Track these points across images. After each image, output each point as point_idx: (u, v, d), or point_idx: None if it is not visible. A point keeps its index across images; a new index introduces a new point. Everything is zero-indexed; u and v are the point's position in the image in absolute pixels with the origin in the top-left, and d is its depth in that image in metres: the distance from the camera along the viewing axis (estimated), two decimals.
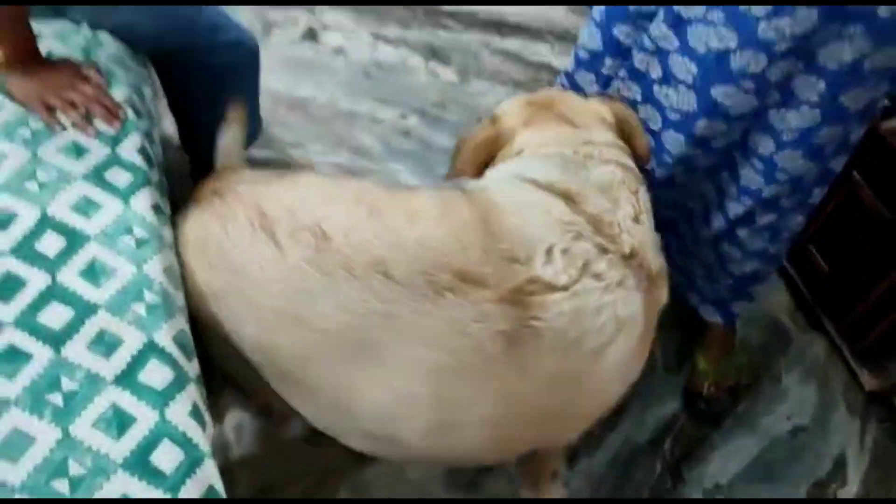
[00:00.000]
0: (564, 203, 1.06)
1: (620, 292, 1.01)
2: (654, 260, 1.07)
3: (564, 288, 0.98)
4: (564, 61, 2.18)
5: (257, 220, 1.01)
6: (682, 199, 1.44)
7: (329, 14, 2.19)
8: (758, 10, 1.09)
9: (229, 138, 1.24)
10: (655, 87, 1.30)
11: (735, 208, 1.36)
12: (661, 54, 1.26)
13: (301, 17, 2.16)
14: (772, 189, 1.29)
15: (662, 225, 1.46)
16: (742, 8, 1.11)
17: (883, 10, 1.06)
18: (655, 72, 1.28)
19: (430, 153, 1.97)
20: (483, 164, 1.26)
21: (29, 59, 1.13)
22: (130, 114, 1.16)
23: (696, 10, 1.17)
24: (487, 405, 0.97)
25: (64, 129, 1.10)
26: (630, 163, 1.18)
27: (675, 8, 1.20)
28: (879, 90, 1.17)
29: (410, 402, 0.97)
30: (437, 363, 0.95)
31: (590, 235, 1.03)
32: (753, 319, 1.75)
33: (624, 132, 1.23)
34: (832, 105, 1.17)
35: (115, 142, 1.11)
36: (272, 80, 2.01)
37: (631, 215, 1.08)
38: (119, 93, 1.17)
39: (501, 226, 1.02)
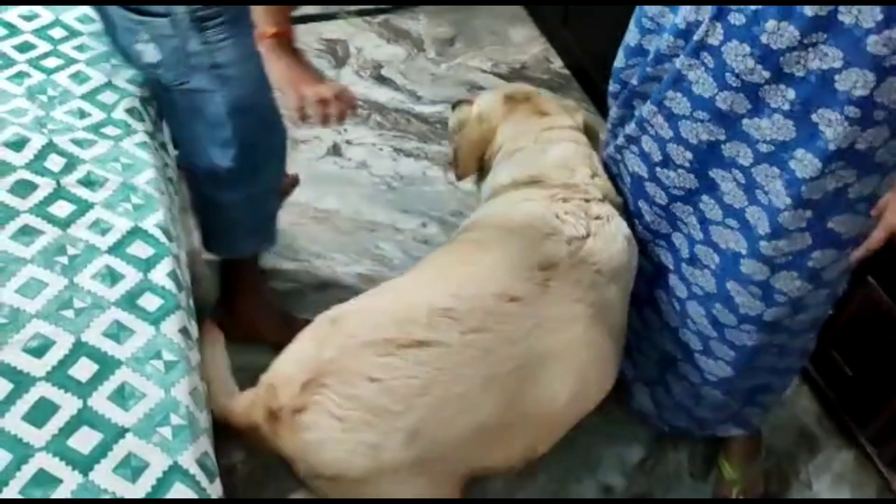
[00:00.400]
0: (536, 187, 1.34)
1: (616, 220, 1.33)
2: (616, 198, 1.40)
3: (588, 235, 1.27)
4: None
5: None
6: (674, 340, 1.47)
7: (353, 131, 2.29)
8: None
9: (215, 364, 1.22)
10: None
11: (738, 337, 1.35)
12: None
13: (326, 134, 2.27)
14: (772, 313, 1.29)
15: (661, 368, 1.49)
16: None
17: (860, 143, 1.08)
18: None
19: None
20: (479, 159, 1.51)
21: (292, 44, 1.15)
22: (163, 238, 1.23)
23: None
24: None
25: (310, 120, 1.16)
26: (583, 139, 1.45)
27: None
28: (869, 219, 1.15)
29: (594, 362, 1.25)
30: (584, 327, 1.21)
31: (571, 196, 1.32)
32: (780, 426, 1.73)
33: (589, 133, 1.49)
34: (824, 233, 1.18)
35: (147, 266, 1.17)
36: (299, 193, 2.10)
37: (588, 174, 1.38)
38: (154, 217, 1.24)
39: (514, 231, 1.28)
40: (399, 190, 2.18)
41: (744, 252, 1.25)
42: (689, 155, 1.24)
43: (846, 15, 0.99)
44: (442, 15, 2.77)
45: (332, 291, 1.91)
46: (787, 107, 1.10)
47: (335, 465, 1.07)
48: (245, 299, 1.69)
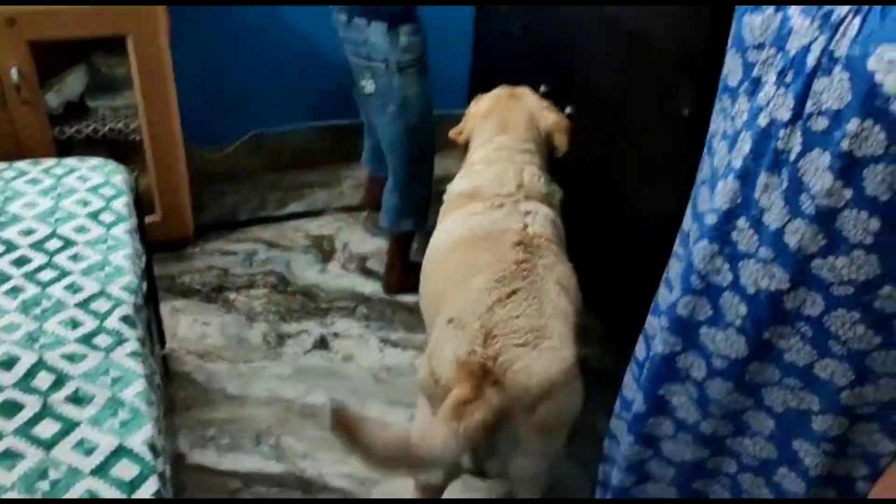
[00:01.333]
0: (476, 200, 1.73)
1: (542, 209, 1.72)
2: (545, 194, 1.79)
3: (526, 225, 1.65)
4: None
5: None
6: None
7: (340, 323, 2.31)
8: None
9: None
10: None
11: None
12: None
13: (313, 327, 2.29)
14: None
15: None
16: None
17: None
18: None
19: None
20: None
21: None
22: (149, 456, 1.19)
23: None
24: None
25: None
26: (522, 157, 1.82)
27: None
28: None
29: None
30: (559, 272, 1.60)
31: (503, 199, 1.71)
32: None
33: (550, 135, 1.91)
34: None
35: (131, 489, 1.13)
36: (285, 389, 2.08)
37: (515, 186, 1.74)
38: (141, 434, 1.21)
39: (482, 247, 1.62)
40: (387, 382, 2.16)
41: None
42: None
43: None
44: None
45: (318, 494, 1.84)
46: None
47: (545, 377, 1.37)
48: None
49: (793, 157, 0.94)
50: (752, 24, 0.98)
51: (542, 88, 2.47)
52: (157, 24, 2.11)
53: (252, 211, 2.77)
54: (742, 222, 1.03)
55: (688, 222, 1.20)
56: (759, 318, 1.06)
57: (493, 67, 2.95)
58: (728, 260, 1.07)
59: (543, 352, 1.39)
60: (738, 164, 1.01)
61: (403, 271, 2.41)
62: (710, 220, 1.08)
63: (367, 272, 2.54)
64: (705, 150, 1.15)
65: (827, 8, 0.89)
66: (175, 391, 2.01)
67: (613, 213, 2.25)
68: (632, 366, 1.39)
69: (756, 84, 0.99)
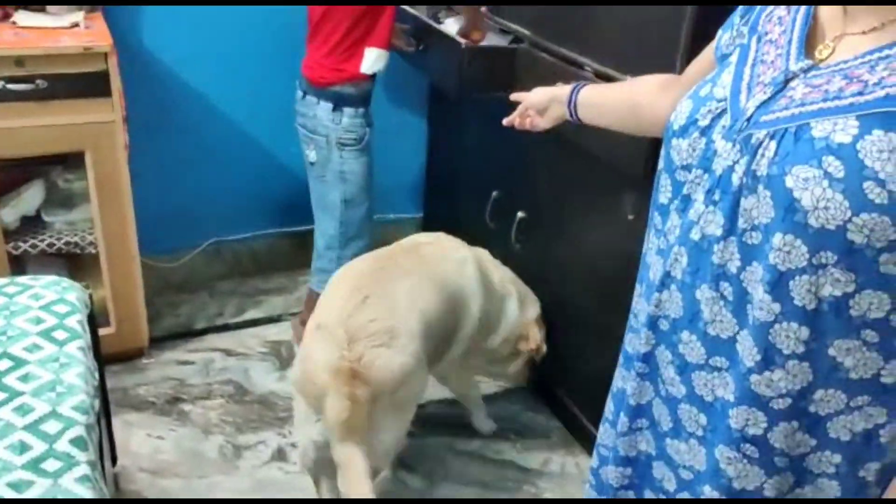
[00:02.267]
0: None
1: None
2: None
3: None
4: (527, 458, 2.26)
5: None
6: None
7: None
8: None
9: None
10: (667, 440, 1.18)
11: None
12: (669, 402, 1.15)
13: (271, 438, 2.25)
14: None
15: None
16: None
17: None
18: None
19: None
20: None
21: None
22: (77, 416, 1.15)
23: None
24: None
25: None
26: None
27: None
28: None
29: None
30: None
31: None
32: None
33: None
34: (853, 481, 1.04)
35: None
36: None
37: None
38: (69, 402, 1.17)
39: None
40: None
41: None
42: None
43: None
44: None
45: None
46: None
47: (401, 371, 1.73)
48: None
49: (734, 269, 0.97)
50: (680, 146, 1.04)
51: (494, 194, 2.56)
52: (114, 139, 2.15)
53: (209, 319, 2.75)
54: (686, 335, 1.06)
55: (627, 334, 1.22)
56: (715, 428, 1.05)
57: (446, 171, 3.05)
58: (679, 372, 1.09)
59: (396, 348, 1.74)
60: (677, 275, 1.05)
61: None
62: (660, 328, 1.10)
63: None
64: (640, 266, 1.19)
65: (746, 133, 0.96)
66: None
67: (567, 309, 2.30)
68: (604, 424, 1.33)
69: (686, 201, 1.04)
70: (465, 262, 2.08)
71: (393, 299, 1.83)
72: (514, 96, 1.56)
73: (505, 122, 1.57)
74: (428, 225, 3.28)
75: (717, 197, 0.99)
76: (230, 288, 2.92)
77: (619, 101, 1.39)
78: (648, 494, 1.22)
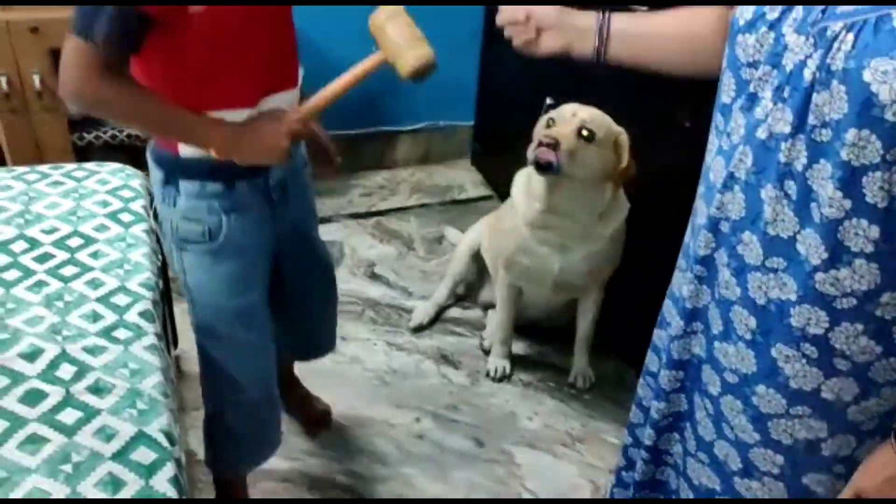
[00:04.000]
0: None
1: None
2: None
3: None
4: (567, 362, 2.32)
5: None
6: None
7: (346, 326, 2.36)
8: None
9: None
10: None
11: None
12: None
13: None
14: None
15: None
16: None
17: None
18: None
19: (445, 455, 2.02)
20: None
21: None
22: (166, 443, 1.24)
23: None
24: None
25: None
26: None
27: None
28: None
29: None
30: None
31: None
32: None
33: None
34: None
35: (149, 473, 1.18)
36: None
37: None
38: (158, 423, 1.26)
39: None
40: (392, 385, 2.21)
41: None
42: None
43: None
44: (431, 216, 2.95)
45: (325, 492, 1.89)
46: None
47: None
48: None
49: (799, 167, 0.96)
50: (746, 42, 1.01)
51: (548, 101, 2.53)
52: None
53: None
54: (748, 235, 1.06)
55: (689, 235, 1.23)
56: (768, 330, 1.06)
57: (499, 80, 3.02)
58: (735, 274, 1.09)
59: None
60: (741, 176, 1.04)
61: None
62: (720, 230, 1.10)
63: (374, 277, 2.60)
64: (703, 168, 1.17)
65: (821, 25, 0.94)
66: (185, 392, 2.06)
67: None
68: (645, 377, 1.38)
69: (752, 100, 1.02)
70: None
71: None
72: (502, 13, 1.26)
73: (498, 20, 1.28)
74: (479, 133, 3.27)
75: (786, 94, 0.96)
76: None
77: (670, 33, 1.22)
78: (696, 398, 1.23)
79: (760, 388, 1.09)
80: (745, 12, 1.02)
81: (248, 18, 1.25)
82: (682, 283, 1.21)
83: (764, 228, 1.03)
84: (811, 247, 0.98)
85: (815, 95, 0.93)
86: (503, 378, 2.28)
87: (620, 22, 1.22)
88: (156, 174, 1.39)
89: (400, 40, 1.24)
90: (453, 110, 3.21)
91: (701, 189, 1.17)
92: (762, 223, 1.03)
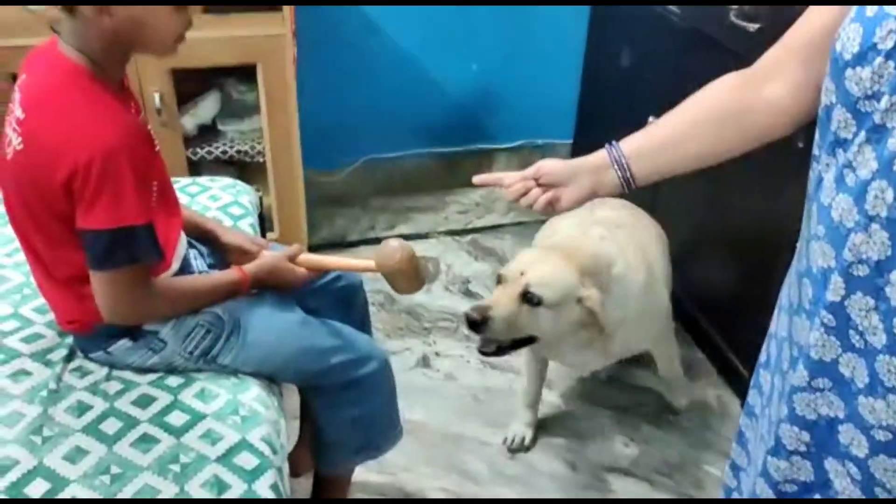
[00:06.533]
0: None
1: None
2: None
3: None
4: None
5: None
6: None
7: (442, 343, 2.38)
8: None
9: None
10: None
11: None
12: None
13: (417, 346, 2.36)
14: None
15: None
16: None
17: None
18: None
19: (536, 477, 1.99)
20: None
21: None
22: (267, 451, 1.28)
23: None
24: None
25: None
26: None
27: None
28: None
29: None
30: None
31: None
32: None
33: None
34: None
35: (252, 477, 1.22)
36: None
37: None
38: (258, 432, 1.30)
39: None
40: (485, 402, 2.21)
41: None
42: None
43: None
44: (526, 234, 2.94)
45: None
46: None
47: None
48: None
49: None
50: (859, 76, 0.94)
51: (651, 119, 2.47)
52: (284, 53, 2.27)
53: (362, 232, 2.89)
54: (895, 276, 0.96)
55: (793, 277, 1.13)
56: None
57: (599, 97, 2.98)
58: (883, 318, 0.98)
59: None
60: (881, 213, 0.95)
61: None
62: (854, 274, 1.00)
63: (469, 294, 2.60)
64: (809, 206, 1.08)
65: None
66: (284, 400, 2.12)
67: (725, 242, 2.24)
68: (749, 416, 1.28)
69: (881, 132, 0.94)
70: None
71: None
72: (479, 179, 1.31)
73: (476, 180, 1.33)
74: (578, 150, 3.24)
75: None
76: (381, 204, 3.04)
77: (695, 128, 1.17)
78: (830, 463, 1.10)
79: None
80: (848, 46, 0.95)
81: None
82: (798, 327, 1.11)
83: None
84: None
85: None
86: (520, 449, 2.08)
87: (630, 144, 1.19)
88: (119, 344, 1.34)
89: (402, 280, 1.47)
90: (552, 127, 3.19)
91: (816, 231, 1.06)
92: None
